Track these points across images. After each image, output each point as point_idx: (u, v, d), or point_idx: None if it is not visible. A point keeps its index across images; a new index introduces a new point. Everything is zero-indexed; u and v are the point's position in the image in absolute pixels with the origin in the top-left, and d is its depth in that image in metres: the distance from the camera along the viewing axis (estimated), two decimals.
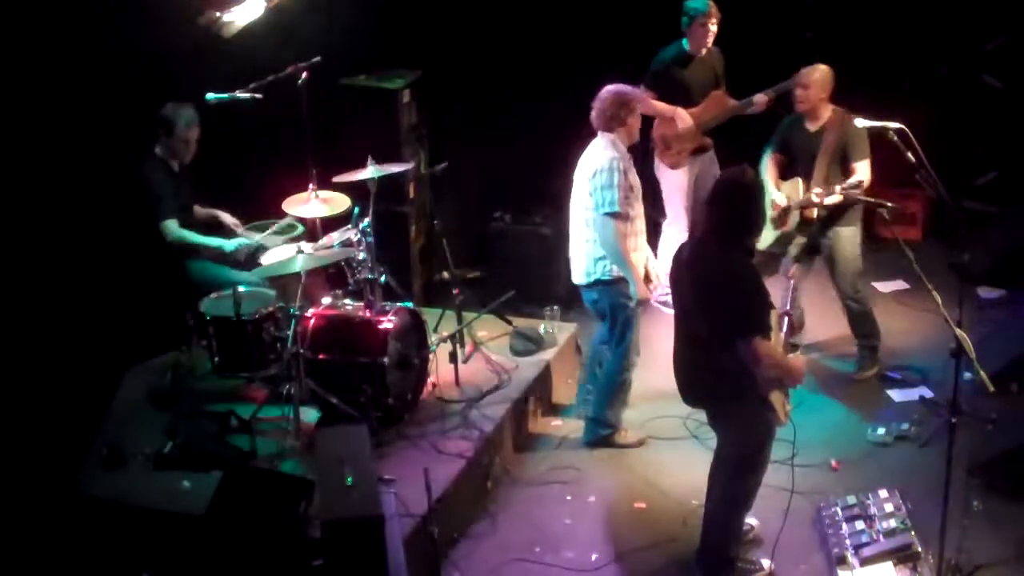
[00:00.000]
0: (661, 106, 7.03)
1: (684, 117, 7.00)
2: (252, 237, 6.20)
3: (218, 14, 5.87)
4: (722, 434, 4.93)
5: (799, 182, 6.31)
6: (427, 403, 6.05)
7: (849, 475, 5.72)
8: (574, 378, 6.73)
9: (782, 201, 6.30)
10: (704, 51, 6.97)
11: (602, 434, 6.04)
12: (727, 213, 4.57)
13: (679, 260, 4.76)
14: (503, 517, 5.57)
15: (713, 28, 6.85)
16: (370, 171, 6.05)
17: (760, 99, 6.95)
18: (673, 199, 7.27)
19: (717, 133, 7.23)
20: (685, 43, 6.96)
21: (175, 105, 5.98)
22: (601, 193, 5.58)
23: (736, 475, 4.86)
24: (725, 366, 4.53)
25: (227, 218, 6.36)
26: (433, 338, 6.31)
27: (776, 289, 4.71)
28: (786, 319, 4.90)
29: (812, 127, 6.28)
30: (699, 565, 5.03)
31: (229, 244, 6.07)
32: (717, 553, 4.97)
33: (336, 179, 6.10)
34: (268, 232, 6.25)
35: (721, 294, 4.52)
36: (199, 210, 6.32)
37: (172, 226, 5.95)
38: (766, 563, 5.05)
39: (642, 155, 7.23)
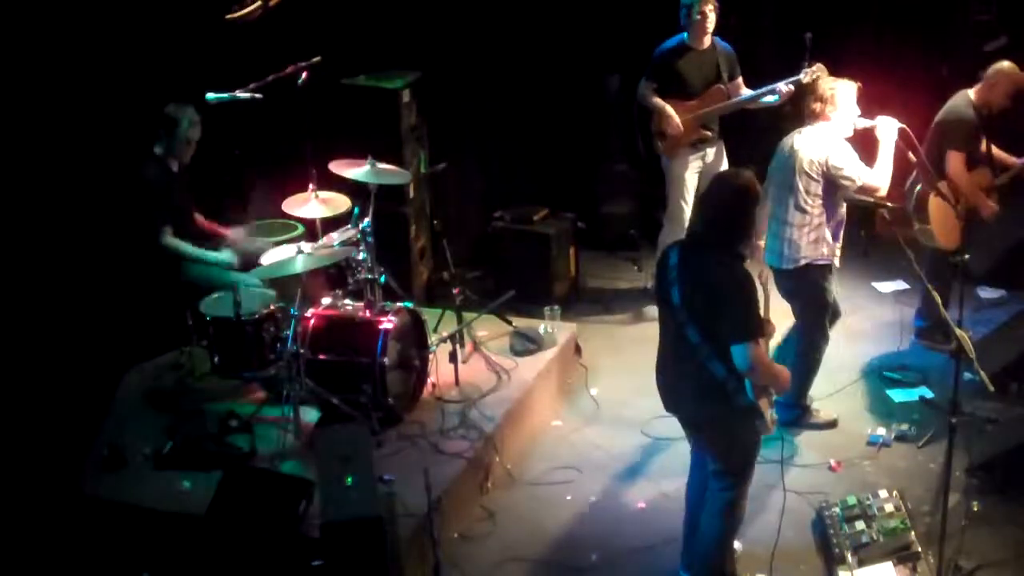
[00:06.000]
0: (650, 101, 7.08)
1: (669, 117, 7.01)
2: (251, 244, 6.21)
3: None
4: (709, 444, 4.80)
5: None
6: (427, 403, 6.05)
7: (849, 475, 5.72)
8: (574, 378, 6.73)
9: None
10: (707, 43, 6.97)
11: (792, 416, 5.99)
12: (721, 216, 4.49)
13: (666, 263, 4.62)
14: (503, 517, 5.57)
15: (711, 15, 6.85)
16: (365, 169, 6.02)
17: (782, 89, 6.80)
18: (671, 191, 7.26)
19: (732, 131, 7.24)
20: (686, 36, 6.97)
21: (177, 105, 5.97)
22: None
23: (729, 487, 4.76)
24: (715, 372, 4.47)
25: (232, 234, 6.34)
26: (433, 338, 6.31)
27: None
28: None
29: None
30: None
31: (223, 257, 6.08)
32: (713, 570, 4.89)
33: (332, 166, 6.01)
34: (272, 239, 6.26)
35: (719, 300, 4.42)
36: (202, 220, 6.32)
37: (166, 235, 5.95)
38: None
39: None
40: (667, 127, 7.03)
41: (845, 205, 5.77)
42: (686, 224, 7.16)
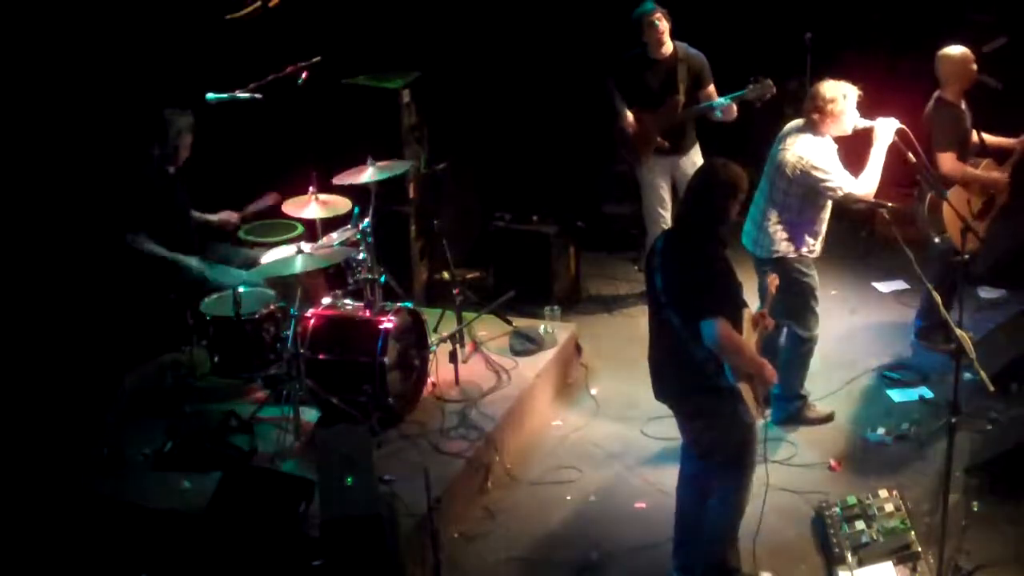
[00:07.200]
0: (615, 102, 7.14)
1: (627, 121, 7.10)
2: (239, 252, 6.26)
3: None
4: (696, 433, 4.83)
5: None
6: (427, 403, 6.05)
7: (849, 475, 5.71)
8: (574, 378, 6.74)
9: None
10: (666, 52, 6.99)
11: (792, 410, 6.02)
12: (700, 202, 4.58)
13: (652, 250, 4.74)
14: (503, 517, 5.57)
15: (659, 23, 6.89)
16: (369, 172, 6.03)
17: (723, 104, 6.87)
18: (645, 198, 7.33)
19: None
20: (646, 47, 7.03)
21: (172, 111, 5.99)
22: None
23: (728, 477, 4.78)
24: (695, 355, 4.50)
25: (219, 217, 6.35)
26: (433, 338, 6.31)
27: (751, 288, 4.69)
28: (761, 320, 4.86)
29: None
30: None
31: (191, 263, 6.03)
32: (719, 565, 4.88)
33: (336, 180, 6.08)
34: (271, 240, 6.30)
35: (690, 277, 4.52)
36: (196, 215, 6.32)
37: (137, 238, 5.93)
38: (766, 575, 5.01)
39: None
40: (624, 127, 7.10)
41: (829, 208, 5.76)
42: (659, 226, 7.22)
